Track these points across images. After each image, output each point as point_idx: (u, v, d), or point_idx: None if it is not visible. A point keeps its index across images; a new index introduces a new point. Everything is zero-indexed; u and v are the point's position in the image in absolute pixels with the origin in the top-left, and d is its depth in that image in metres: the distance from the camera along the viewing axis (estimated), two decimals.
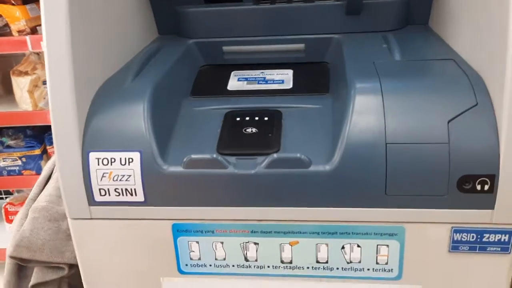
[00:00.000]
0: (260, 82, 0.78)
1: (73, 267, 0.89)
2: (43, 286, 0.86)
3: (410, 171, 0.57)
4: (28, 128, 1.94)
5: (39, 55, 1.87)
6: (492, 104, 0.56)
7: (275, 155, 0.59)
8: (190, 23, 0.85)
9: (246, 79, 0.80)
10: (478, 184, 0.56)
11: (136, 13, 0.82)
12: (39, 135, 1.94)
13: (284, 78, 0.79)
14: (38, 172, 1.86)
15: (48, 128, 2.00)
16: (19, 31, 1.63)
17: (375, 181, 0.58)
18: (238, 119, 0.67)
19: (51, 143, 1.98)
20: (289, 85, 0.76)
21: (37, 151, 1.89)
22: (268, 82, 0.78)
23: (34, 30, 1.67)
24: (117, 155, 0.61)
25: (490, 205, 0.57)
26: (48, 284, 0.87)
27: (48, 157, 1.98)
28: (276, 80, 0.78)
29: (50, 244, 0.84)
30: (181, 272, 0.67)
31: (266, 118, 0.67)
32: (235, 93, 0.75)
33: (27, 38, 1.59)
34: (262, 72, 0.81)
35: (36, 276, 0.85)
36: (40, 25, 1.75)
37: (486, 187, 0.56)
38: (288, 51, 0.84)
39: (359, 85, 0.61)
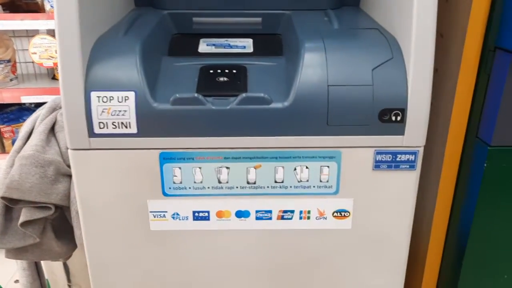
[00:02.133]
0: (226, 47, 0.95)
1: (57, 210, 1.00)
2: (30, 225, 0.97)
3: (345, 106, 0.76)
4: None
5: None
6: (403, 57, 0.77)
7: (244, 95, 0.76)
8: None
9: (214, 44, 0.96)
10: (393, 115, 0.77)
11: None
12: None
13: (246, 44, 0.96)
14: None
15: (1, 107, 2.02)
16: None
17: (319, 114, 0.76)
18: (211, 71, 0.83)
19: (3, 123, 2.00)
20: (250, 49, 0.93)
21: None
22: (233, 47, 0.95)
23: None
24: (115, 94, 0.75)
25: (402, 132, 0.78)
26: (35, 224, 0.98)
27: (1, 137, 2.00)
28: (239, 46, 0.95)
29: (38, 186, 0.95)
30: (165, 194, 0.82)
31: (234, 71, 0.83)
32: (206, 54, 0.91)
33: None
34: (227, 40, 0.98)
35: (24, 215, 0.95)
36: None
37: (399, 118, 0.77)
38: (247, 23, 1.01)
39: (308, 44, 0.79)
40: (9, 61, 1.88)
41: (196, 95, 0.76)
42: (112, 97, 0.75)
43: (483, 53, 0.85)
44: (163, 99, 0.76)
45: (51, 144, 1.01)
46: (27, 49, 1.86)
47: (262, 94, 0.76)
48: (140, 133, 0.77)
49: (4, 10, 1.78)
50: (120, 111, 0.75)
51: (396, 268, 0.89)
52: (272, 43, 0.97)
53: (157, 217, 0.84)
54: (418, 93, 0.76)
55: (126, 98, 0.75)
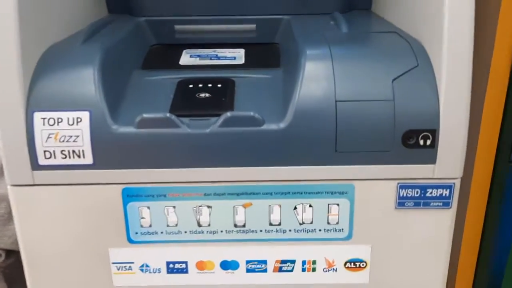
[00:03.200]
0: (212, 58, 0.79)
1: (11, 255, 0.84)
2: None
3: (358, 128, 0.59)
4: None
5: None
6: (431, 65, 0.61)
7: (228, 114, 0.60)
8: (141, 0, 0.84)
9: (198, 56, 0.80)
10: (421, 139, 0.60)
11: None
12: None
13: (236, 55, 0.80)
14: None
15: None
16: None
17: (325, 137, 0.59)
18: (191, 86, 0.67)
19: None
20: (241, 61, 0.78)
21: None
22: (221, 58, 0.79)
23: None
24: (64, 114, 0.59)
25: (432, 160, 0.60)
26: None
27: None
28: (229, 57, 0.79)
29: None
30: (130, 241, 0.65)
31: (219, 85, 0.67)
32: (187, 67, 0.75)
33: None
34: (215, 51, 0.82)
35: None
36: None
37: (428, 142, 0.60)
38: (239, 31, 0.85)
39: (310, 51, 0.63)
40: None
41: (168, 115, 0.60)
42: (61, 118, 0.59)
43: None
44: (127, 121, 0.60)
45: (4, 177, 0.85)
46: None
47: (251, 113, 0.60)
48: (97, 164, 0.60)
49: None
50: (71, 136, 0.59)
51: None
52: (268, 54, 0.81)
53: (122, 269, 0.66)
54: (453, 109, 0.59)
55: (79, 119, 0.59)
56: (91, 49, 0.64)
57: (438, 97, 0.59)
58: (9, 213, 0.81)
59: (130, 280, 0.67)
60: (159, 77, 0.70)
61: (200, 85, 0.67)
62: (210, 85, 0.67)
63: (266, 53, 0.81)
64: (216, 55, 0.80)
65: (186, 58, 0.79)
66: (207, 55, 0.80)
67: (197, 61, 0.78)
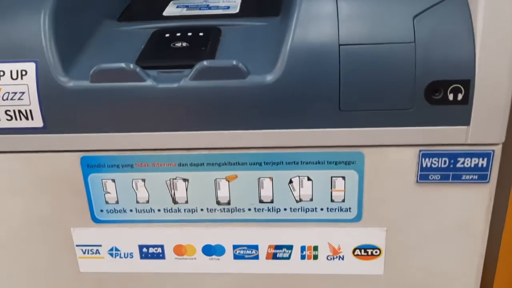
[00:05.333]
0: (202, 8, 0.67)
1: None
2: None
3: (368, 79, 0.46)
4: None
5: None
6: None
7: (205, 63, 0.48)
8: None
9: (186, 6, 0.68)
10: (450, 92, 0.46)
11: None
12: None
13: (231, 5, 0.68)
14: None
15: None
16: None
17: (326, 92, 0.47)
18: (167, 35, 0.56)
19: None
20: (235, 10, 0.66)
21: None
22: (212, 8, 0.67)
23: None
24: (6, 66, 0.49)
25: (465, 121, 0.47)
26: None
27: None
28: (221, 7, 0.67)
29: None
30: (95, 220, 0.55)
31: (200, 34, 0.55)
32: (170, 18, 0.64)
33: None
34: (206, 0, 0.70)
35: None
36: None
37: (460, 97, 0.46)
38: None
39: None
40: None
41: (131, 65, 0.48)
42: (3, 71, 0.49)
43: None
44: (82, 74, 0.49)
45: None
46: None
47: (233, 62, 0.48)
48: (49, 128, 0.50)
49: None
50: (15, 93, 0.49)
51: None
52: (268, 2, 0.68)
53: (88, 253, 0.56)
54: (493, 53, 0.45)
55: (23, 72, 0.49)
56: None
57: (473, 39, 0.45)
58: None
59: (98, 266, 0.57)
60: (132, 27, 0.59)
61: (178, 34, 0.55)
62: (189, 34, 0.55)
63: (267, 1, 0.69)
64: (207, 5, 0.69)
65: (171, 9, 0.68)
66: (197, 5, 0.68)
67: (183, 12, 0.66)
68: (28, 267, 0.58)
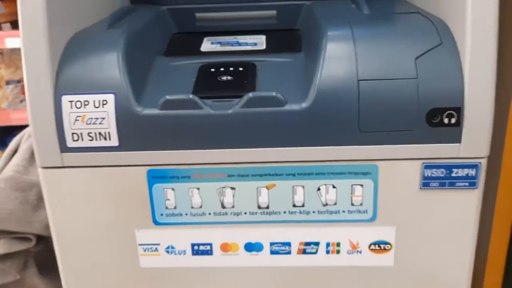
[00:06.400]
0: (233, 44, 0.80)
1: (41, 241, 0.86)
2: (9, 259, 0.83)
3: (381, 107, 0.59)
4: None
5: (2, 54, 1.83)
6: (455, 43, 0.60)
7: (250, 94, 0.60)
8: None
9: (219, 42, 0.81)
10: (445, 117, 0.59)
11: None
12: (1, 137, 1.88)
13: (257, 41, 0.80)
14: None
15: (10, 130, 1.93)
16: None
17: (349, 117, 0.59)
18: (212, 69, 0.68)
19: None
20: (262, 46, 0.78)
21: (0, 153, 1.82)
22: (242, 44, 0.79)
23: None
24: (90, 97, 0.60)
25: (457, 139, 0.60)
26: (15, 258, 0.84)
27: None
28: (250, 43, 0.80)
29: (17, 214, 0.81)
30: (156, 223, 0.66)
31: (241, 69, 0.68)
32: (209, 53, 0.76)
33: None
34: (235, 37, 0.83)
35: (2, 247, 0.81)
36: (4, 22, 1.71)
37: (453, 120, 0.59)
38: (260, 17, 0.85)
39: (331, 32, 0.63)
40: (18, 81, 1.80)
41: (191, 96, 0.60)
42: (87, 101, 0.60)
43: None
44: (151, 104, 0.61)
45: (36, 164, 0.87)
46: None
47: (273, 94, 0.60)
48: (123, 146, 0.61)
49: (12, 28, 1.70)
50: (97, 118, 0.61)
51: None
52: (289, 39, 0.81)
53: (148, 251, 0.67)
54: (478, 85, 0.58)
55: (104, 102, 0.60)
56: (116, 34, 0.66)
57: (462, 75, 0.58)
58: (38, 199, 0.84)
59: (156, 262, 0.68)
60: (181, 62, 0.71)
61: (222, 69, 0.68)
62: (231, 69, 0.68)
63: (288, 39, 0.81)
64: (237, 41, 0.81)
65: (207, 45, 0.80)
66: (228, 41, 0.81)
67: (218, 48, 0.78)
68: (97, 263, 0.68)
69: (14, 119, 1.76)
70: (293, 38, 0.81)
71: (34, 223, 0.82)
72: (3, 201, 0.81)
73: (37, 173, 0.86)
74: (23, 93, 1.84)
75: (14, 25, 1.72)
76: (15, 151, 0.92)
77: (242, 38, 0.82)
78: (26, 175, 0.84)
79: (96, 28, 0.69)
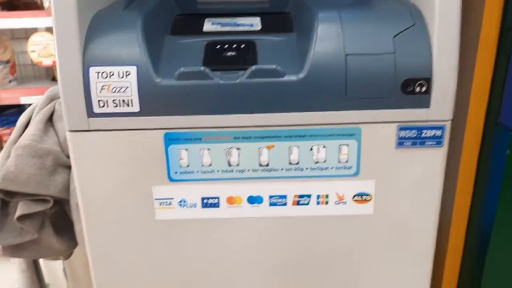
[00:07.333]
0: (232, 25, 0.89)
1: (56, 204, 0.94)
2: (28, 219, 0.91)
3: (365, 77, 0.70)
4: None
5: None
6: (426, 24, 0.71)
7: (254, 67, 0.70)
8: None
9: (219, 23, 0.90)
10: (417, 86, 0.70)
11: None
12: None
13: (253, 23, 0.90)
14: None
15: (0, 109, 1.97)
16: None
17: (337, 85, 0.70)
18: (218, 46, 0.77)
19: (3, 125, 1.95)
20: (258, 27, 0.88)
21: None
22: (240, 25, 0.89)
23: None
24: (115, 69, 0.69)
25: (427, 105, 0.72)
26: (33, 218, 0.91)
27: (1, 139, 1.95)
28: (246, 24, 0.89)
29: (35, 178, 0.89)
30: (171, 179, 0.75)
31: (242, 46, 0.77)
32: (211, 33, 0.85)
33: None
34: (233, 19, 0.92)
35: (21, 208, 0.89)
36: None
37: (424, 89, 0.71)
38: (254, 1, 0.95)
39: (321, 15, 0.74)
40: (7, 62, 1.83)
41: (202, 68, 0.70)
42: (113, 72, 0.69)
43: (501, 32, 0.79)
44: (167, 75, 0.70)
45: (49, 134, 0.95)
46: (26, 51, 1.81)
47: (274, 66, 0.70)
48: (143, 112, 0.71)
49: (2, 9, 1.73)
50: (121, 87, 0.70)
51: (423, 259, 0.82)
52: (281, 21, 0.91)
53: (163, 205, 0.77)
54: (443, 60, 0.70)
55: (128, 73, 0.69)
56: (132, 15, 0.74)
57: (431, 51, 0.70)
58: (55, 165, 0.92)
59: (170, 214, 0.78)
60: (188, 40, 0.80)
61: (226, 46, 0.77)
62: (234, 46, 0.77)
63: (280, 21, 0.91)
64: (235, 22, 0.90)
65: (208, 26, 0.89)
66: (227, 23, 0.90)
67: (219, 28, 0.88)
68: (117, 217, 0.77)
69: (3, 98, 1.80)
70: (284, 20, 0.91)
71: (50, 187, 0.90)
72: (22, 167, 0.88)
73: (51, 142, 0.95)
74: (12, 73, 1.89)
75: (3, 6, 1.76)
76: (26, 124, 0.99)
77: (239, 20, 0.91)
78: (41, 143, 0.92)
79: (113, 9, 0.77)
